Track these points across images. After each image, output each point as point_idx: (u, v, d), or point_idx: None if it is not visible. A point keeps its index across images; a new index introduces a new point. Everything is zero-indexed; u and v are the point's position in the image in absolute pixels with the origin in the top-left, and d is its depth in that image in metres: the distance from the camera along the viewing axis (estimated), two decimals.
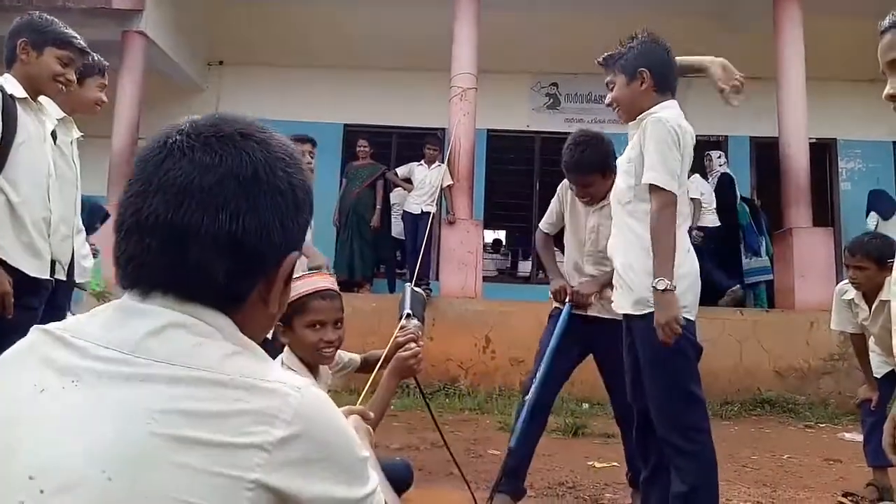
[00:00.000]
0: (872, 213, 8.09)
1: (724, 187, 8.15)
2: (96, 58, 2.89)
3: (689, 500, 2.21)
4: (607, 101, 2.54)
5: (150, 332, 0.71)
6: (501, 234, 12.43)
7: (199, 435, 0.65)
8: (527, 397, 2.89)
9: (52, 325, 0.76)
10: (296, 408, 0.69)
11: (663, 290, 2.17)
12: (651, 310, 2.23)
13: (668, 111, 2.36)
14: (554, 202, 3.26)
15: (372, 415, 1.29)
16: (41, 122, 2.56)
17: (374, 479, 0.78)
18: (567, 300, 2.99)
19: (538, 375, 2.88)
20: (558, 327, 2.94)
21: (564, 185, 3.18)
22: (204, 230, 0.73)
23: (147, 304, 0.74)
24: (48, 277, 2.53)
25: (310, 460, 0.69)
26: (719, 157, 8.40)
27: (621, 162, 2.48)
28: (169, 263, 0.73)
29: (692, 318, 2.29)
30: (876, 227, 7.56)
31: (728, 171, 8.35)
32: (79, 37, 2.60)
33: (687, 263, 2.31)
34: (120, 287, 0.78)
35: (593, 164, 2.90)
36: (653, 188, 2.26)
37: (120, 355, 0.70)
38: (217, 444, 0.65)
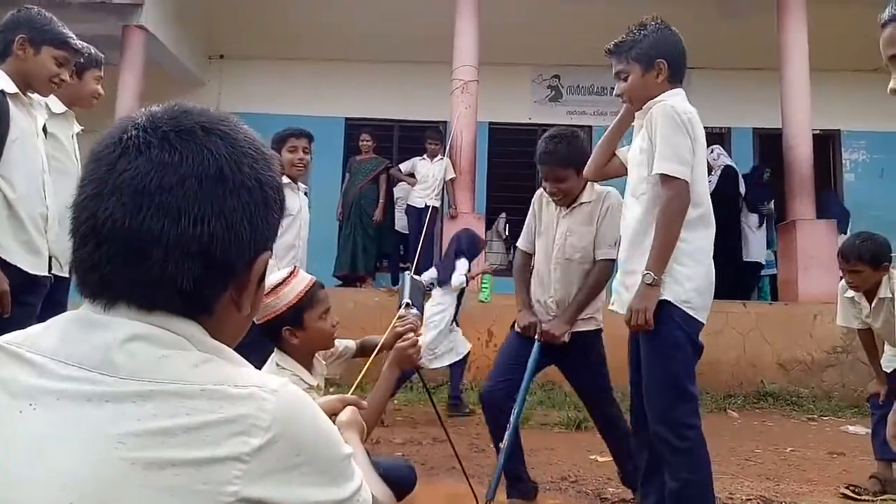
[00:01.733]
0: None
1: (729, 180, 8.10)
2: (93, 51, 2.85)
3: (680, 497, 2.19)
4: (618, 91, 2.46)
5: (112, 347, 0.66)
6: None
7: (172, 454, 0.61)
8: (501, 444, 2.76)
9: (5, 339, 0.71)
10: (273, 412, 0.65)
11: (649, 284, 2.19)
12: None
13: (674, 98, 2.31)
14: (528, 216, 3.16)
15: (365, 403, 1.26)
16: (33, 118, 2.53)
17: (359, 475, 0.75)
18: (537, 338, 2.87)
19: (512, 416, 2.76)
20: (530, 365, 2.81)
21: (538, 195, 3.10)
22: (165, 236, 0.67)
23: (107, 316, 0.69)
24: (46, 274, 2.52)
25: (290, 466, 0.66)
26: (711, 151, 8.34)
27: (633, 154, 2.42)
28: (130, 273, 0.68)
29: (698, 319, 2.25)
30: None
31: (731, 163, 8.29)
32: (74, 37, 2.58)
33: (696, 265, 2.26)
34: (80, 296, 0.73)
35: (569, 158, 2.83)
36: (664, 178, 2.21)
37: (81, 372, 0.65)
38: (192, 461, 0.62)
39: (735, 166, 8.27)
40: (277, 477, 0.65)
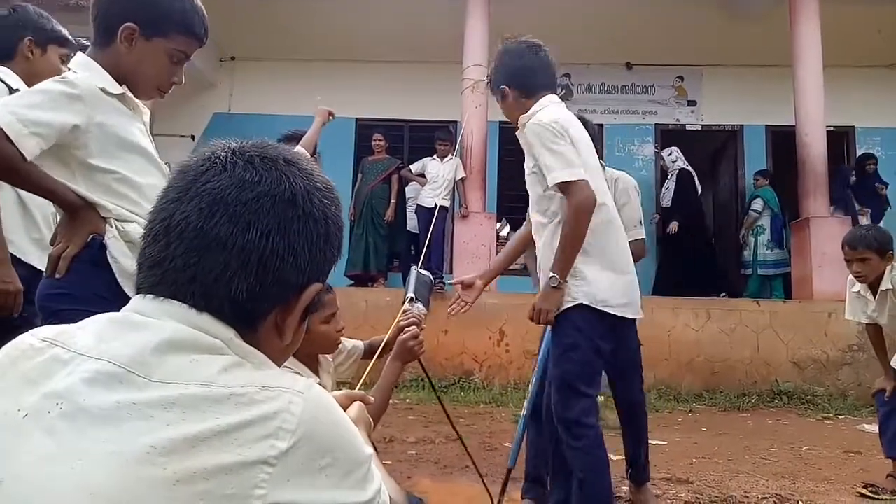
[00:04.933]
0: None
1: (684, 184, 8.13)
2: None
3: (580, 494, 2.23)
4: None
5: (146, 348, 0.68)
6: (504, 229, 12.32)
7: (201, 459, 0.62)
8: (522, 413, 2.80)
9: (38, 334, 0.73)
10: (299, 415, 0.66)
11: (553, 286, 2.23)
12: (564, 307, 2.26)
13: (542, 112, 2.36)
14: None
15: (372, 399, 1.26)
16: None
17: (378, 477, 0.76)
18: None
19: (531, 384, 2.79)
20: (543, 345, 2.79)
21: None
22: (231, 243, 0.72)
23: (148, 318, 0.72)
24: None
25: (316, 468, 0.67)
26: (670, 154, 8.39)
27: (527, 175, 2.48)
28: (191, 272, 0.72)
29: (615, 313, 2.27)
30: None
31: (686, 166, 8.30)
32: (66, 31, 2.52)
33: (597, 264, 2.27)
34: (136, 290, 0.76)
35: None
36: (562, 186, 2.24)
37: (112, 368, 0.67)
38: (220, 466, 0.62)
39: (691, 170, 8.27)
40: (303, 480, 0.66)
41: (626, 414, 3.07)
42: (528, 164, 2.41)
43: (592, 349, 2.26)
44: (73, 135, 1.60)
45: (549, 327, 2.62)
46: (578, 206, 2.20)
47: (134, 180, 1.70)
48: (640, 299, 2.42)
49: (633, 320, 2.48)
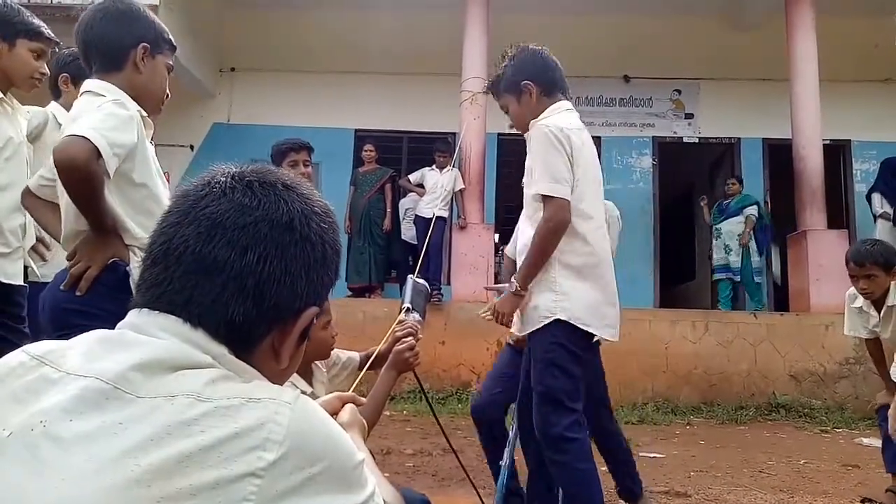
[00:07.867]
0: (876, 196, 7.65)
1: None
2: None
3: None
4: (510, 125, 2.55)
5: (136, 365, 0.68)
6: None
7: (188, 474, 0.61)
8: (501, 462, 2.79)
9: (30, 351, 0.73)
10: (287, 426, 0.66)
11: (513, 292, 2.25)
12: (542, 323, 2.25)
13: (553, 117, 2.34)
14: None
15: (363, 400, 1.25)
16: (18, 123, 2.38)
17: (372, 481, 0.76)
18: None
19: (511, 431, 2.77)
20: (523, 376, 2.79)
21: None
22: (230, 266, 0.73)
23: (141, 334, 0.72)
24: (22, 283, 2.41)
25: (305, 478, 0.66)
26: None
27: (525, 176, 2.46)
28: (188, 293, 0.73)
29: (592, 332, 2.27)
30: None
31: None
32: (45, 26, 2.36)
33: (576, 279, 2.25)
34: (131, 306, 0.77)
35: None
36: (543, 197, 2.24)
37: (99, 384, 0.66)
38: (207, 480, 0.61)
39: None
40: (293, 490, 0.65)
41: (599, 441, 3.02)
42: (528, 164, 2.40)
43: (575, 362, 2.25)
44: (129, 153, 1.73)
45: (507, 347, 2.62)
46: (550, 223, 2.21)
47: (159, 198, 1.82)
48: (618, 322, 2.39)
49: (597, 347, 2.54)
